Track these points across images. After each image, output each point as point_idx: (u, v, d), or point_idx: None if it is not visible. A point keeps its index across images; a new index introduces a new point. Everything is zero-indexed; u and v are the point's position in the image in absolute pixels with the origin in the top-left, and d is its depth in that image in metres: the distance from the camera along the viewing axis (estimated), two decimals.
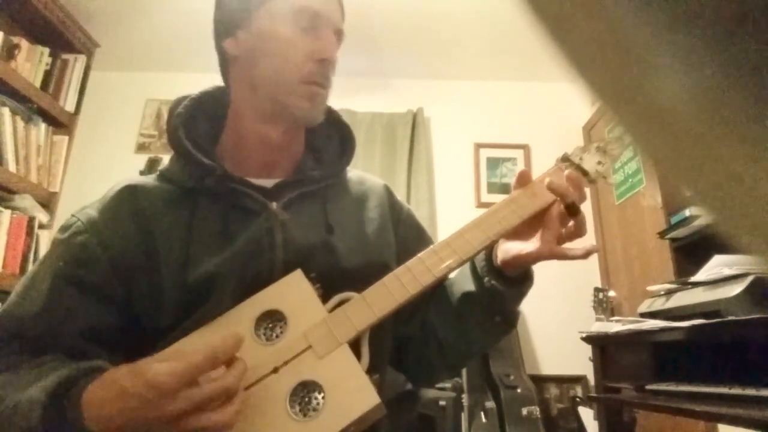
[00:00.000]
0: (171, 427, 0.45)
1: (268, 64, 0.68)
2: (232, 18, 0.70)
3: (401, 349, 0.76)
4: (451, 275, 0.73)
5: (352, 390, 0.53)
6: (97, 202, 0.67)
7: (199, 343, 0.55)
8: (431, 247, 0.64)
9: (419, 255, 0.63)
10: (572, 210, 0.63)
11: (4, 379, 0.54)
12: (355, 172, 0.82)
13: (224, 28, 0.71)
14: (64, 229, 0.65)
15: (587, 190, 0.70)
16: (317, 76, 0.68)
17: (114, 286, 0.61)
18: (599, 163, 0.70)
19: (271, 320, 0.59)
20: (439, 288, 0.74)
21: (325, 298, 0.60)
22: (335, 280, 0.63)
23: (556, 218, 0.64)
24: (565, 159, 0.72)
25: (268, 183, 0.70)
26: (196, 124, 0.72)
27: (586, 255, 0.63)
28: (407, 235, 0.79)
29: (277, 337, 0.58)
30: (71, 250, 0.62)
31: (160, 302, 0.60)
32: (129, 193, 0.66)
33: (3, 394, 0.51)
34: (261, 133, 0.71)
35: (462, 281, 0.72)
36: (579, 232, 0.64)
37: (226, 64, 0.74)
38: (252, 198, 0.67)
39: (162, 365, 0.46)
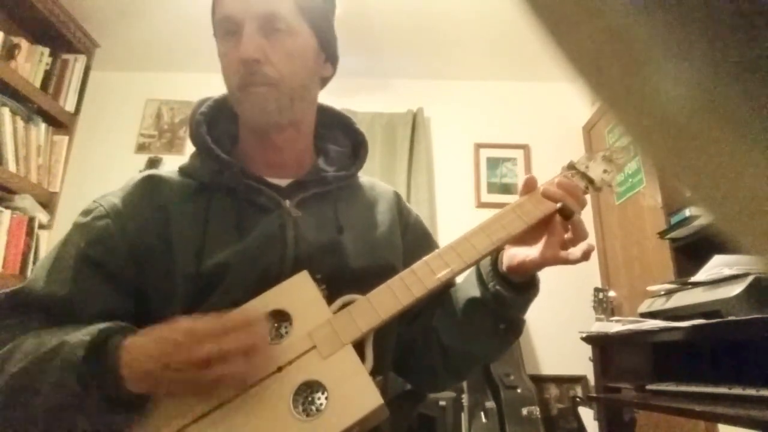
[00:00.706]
0: (195, 371, 0.49)
1: (223, 77, 0.71)
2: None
3: (405, 355, 0.76)
4: (457, 281, 0.73)
5: (355, 391, 0.53)
6: (119, 190, 0.69)
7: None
8: (436, 251, 0.65)
9: (424, 259, 0.64)
10: (564, 213, 0.64)
11: (41, 330, 0.57)
12: (366, 177, 0.84)
13: None
14: (85, 213, 0.67)
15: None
16: (246, 78, 0.66)
17: (130, 272, 0.63)
18: (605, 171, 0.71)
19: (277, 320, 0.59)
20: (444, 294, 0.75)
21: (330, 299, 0.61)
22: (341, 281, 0.64)
23: (561, 224, 0.65)
24: (571, 167, 0.72)
25: (283, 182, 0.72)
26: (217, 123, 0.75)
27: (585, 255, 0.63)
28: (414, 241, 0.80)
29: (282, 336, 0.58)
30: (92, 232, 0.64)
31: (171, 290, 0.62)
32: (151, 183, 0.69)
33: (43, 340, 0.54)
34: (256, 134, 0.73)
35: (467, 287, 0.72)
36: (579, 234, 0.64)
37: None
38: (266, 195, 0.69)
39: (199, 319, 0.51)
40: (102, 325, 0.54)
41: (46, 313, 0.60)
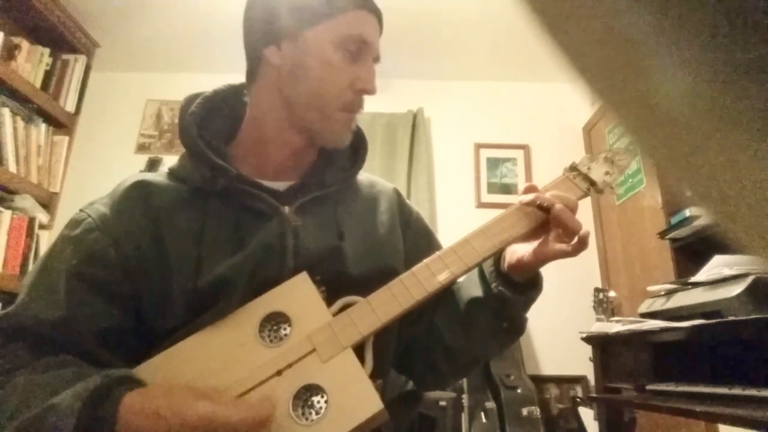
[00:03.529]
0: None
1: (310, 84, 0.67)
2: (282, 27, 0.67)
3: (408, 352, 0.76)
4: (459, 279, 0.73)
5: (356, 395, 0.53)
6: (107, 197, 0.66)
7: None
8: (437, 253, 0.64)
9: (425, 261, 0.63)
10: (542, 208, 0.63)
11: (25, 380, 0.52)
12: (365, 175, 0.82)
13: (269, 34, 0.68)
14: (73, 225, 0.63)
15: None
16: (355, 106, 0.69)
17: (123, 286, 0.60)
18: (607, 173, 0.70)
19: (276, 322, 0.59)
20: (446, 292, 0.74)
21: (330, 301, 0.60)
22: (342, 284, 0.63)
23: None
24: (573, 168, 0.72)
25: (281, 186, 0.70)
26: (207, 123, 0.71)
27: (581, 240, 0.62)
28: (416, 240, 0.79)
29: (281, 339, 0.57)
30: (83, 248, 0.60)
31: (168, 303, 0.60)
32: (141, 190, 0.65)
33: (29, 397, 0.49)
34: (284, 138, 0.71)
35: (470, 286, 0.71)
36: (568, 226, 0.62)
37: (257, 68, 0.71)
38: (264, 201, 0.66)
39: (201, 407, 0.46)
40: (92, 384, 0.48)
41: (39, 339, 0.56)
